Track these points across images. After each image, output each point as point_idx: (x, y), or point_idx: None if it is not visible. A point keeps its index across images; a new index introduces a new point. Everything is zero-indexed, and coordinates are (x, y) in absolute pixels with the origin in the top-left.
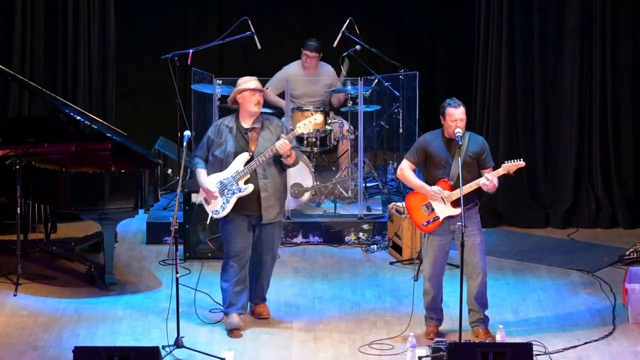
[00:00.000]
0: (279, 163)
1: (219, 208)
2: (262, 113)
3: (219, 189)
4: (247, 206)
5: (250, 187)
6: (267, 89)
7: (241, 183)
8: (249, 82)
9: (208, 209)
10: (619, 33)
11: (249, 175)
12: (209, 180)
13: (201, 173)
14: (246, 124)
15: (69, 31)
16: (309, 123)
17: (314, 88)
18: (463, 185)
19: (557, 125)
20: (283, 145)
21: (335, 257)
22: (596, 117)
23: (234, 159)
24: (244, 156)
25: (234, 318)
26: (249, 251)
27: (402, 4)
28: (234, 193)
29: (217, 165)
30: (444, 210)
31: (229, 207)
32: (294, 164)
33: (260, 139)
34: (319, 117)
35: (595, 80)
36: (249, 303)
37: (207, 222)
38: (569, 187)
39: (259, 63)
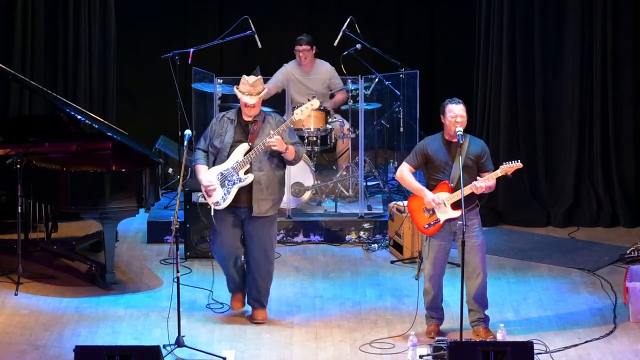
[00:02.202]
0: (278, 158)
1: (220, 199)
2: (263, 110)
3: (219, 181)
4: (237, 198)
5: (250, 177)
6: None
7: (241, 173)
8: (244, 92)
9: (210, 201)
10: (619, 33)
11: (248, 166)
12: (207, 175)
13: (201, 169)
14: (247, 118)
15: (69, 31)
16: (306, 109)
17: (313, 86)
18: (464, 186)
19: (557, 124)
20: (270, 141)
21: (336, 256)
22: (597, 116)
23: (230, 150)
24: (244, 146)
25: (231, 300)
26: (234, 247)
27: (402, 4)
28: (234, 183)
29: (215, 155)
30: (444, 213)
31: (230, 198)
32: (295, 160)
33: (261, 131)
34: (315, 102)
35: (595, 80)
36: (245, 289)
37: (212, 214)
38: (569, 186)
39: (259, 62)
